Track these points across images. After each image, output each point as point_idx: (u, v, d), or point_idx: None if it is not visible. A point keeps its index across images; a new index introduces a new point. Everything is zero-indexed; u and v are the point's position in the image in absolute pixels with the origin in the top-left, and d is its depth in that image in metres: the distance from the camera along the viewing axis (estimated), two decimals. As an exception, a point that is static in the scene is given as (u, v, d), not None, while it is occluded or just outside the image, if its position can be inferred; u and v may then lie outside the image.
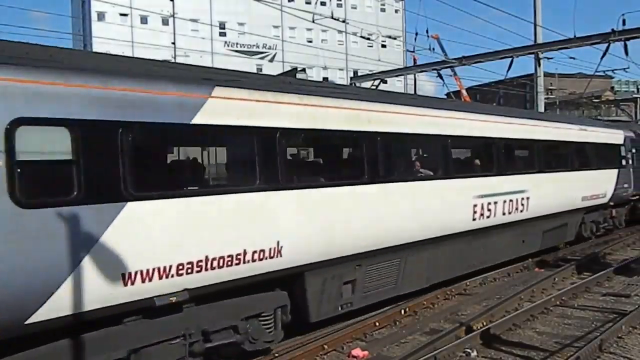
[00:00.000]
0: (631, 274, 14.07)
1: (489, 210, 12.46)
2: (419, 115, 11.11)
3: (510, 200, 13.30)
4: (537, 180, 14.57)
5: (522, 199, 13.73)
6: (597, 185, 17.97)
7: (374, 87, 26.36)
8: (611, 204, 19.38)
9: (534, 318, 10.54)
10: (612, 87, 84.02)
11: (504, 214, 13.08)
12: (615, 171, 19.47)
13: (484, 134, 13.09)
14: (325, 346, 9.02)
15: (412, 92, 47.58)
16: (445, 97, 40.85)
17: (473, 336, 9.15)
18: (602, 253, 17.04)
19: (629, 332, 9.44)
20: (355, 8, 71.31)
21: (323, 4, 57.87)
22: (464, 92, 35.08)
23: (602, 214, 19.43)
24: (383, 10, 74.86)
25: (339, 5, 66.79)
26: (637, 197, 21.85)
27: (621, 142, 20.56)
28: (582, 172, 17.12)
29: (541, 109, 27.40)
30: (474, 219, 12.10)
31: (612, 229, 20.82)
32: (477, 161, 13.37)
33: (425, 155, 12.38)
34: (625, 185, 20.14)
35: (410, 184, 10.53)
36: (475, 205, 12.01)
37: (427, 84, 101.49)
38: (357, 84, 28.53)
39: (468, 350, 8.71)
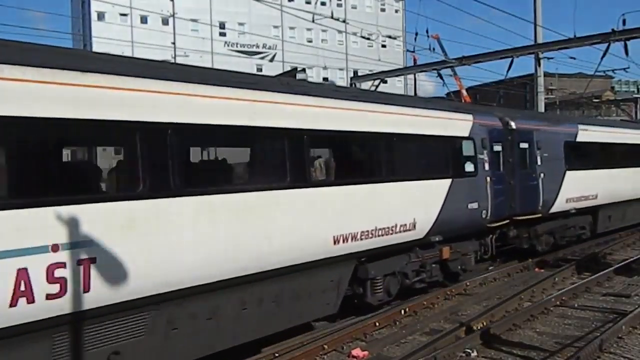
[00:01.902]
0: (631, 274, 14.06)
1: None
2: None
3: None
4: (138, 219, 6.57)
5: (49, 267, 5.67)
6: (388, 210, 10.26)
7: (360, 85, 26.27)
8: (436, 239, 11.56)
9: (534, 318, 10.53)
10: (612, 87, 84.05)
11: None
12: (446, 182, 11.81)
13: None
14: (325, 346, 9.02)
15: (413, 92, 47.67)
16: (445, 97, 40.80)
17: (473, 336, 9.15)
18: (602, 253, 17.03)
19: (629, 332, 9.43)
20: (355, 8, 71.31)
21: (323, 4, 57.87)
22: (464, 92, 35.06)
23: (418, 258, 11.47)
24: (383, 10, 74.87)
25: (339, 5, 66.79)
26: (508, 221, 14.57)
27: (466, 134, 12.83)
28: (334, 189, 9.45)
29: (541, 109, 27.39)
30: None
31: (455, 277, 13.06)
32: None
33: None
34: (473, 206, 12.57)
35: None
36: None
37: (427, 84, 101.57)
38: (358, 85, 28.55)
39: (468, 350, 8.70)
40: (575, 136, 17.50)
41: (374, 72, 32.40)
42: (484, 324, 9.94)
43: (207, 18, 62.59)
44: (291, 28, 67.36)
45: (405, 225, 10.61)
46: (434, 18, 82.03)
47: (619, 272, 14.14)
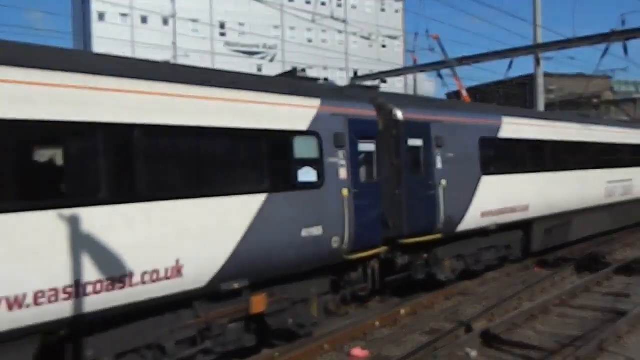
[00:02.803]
0: (631, 274, 14.08)
1: None
2: None
3: None
4: None
5: None
6: (111, 250, 6.46)
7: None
8: (235, 286, 7.83)
9: (534, 318, 10.55)
10: (612, 87, 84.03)
11: None
12: (254, 200, 8.12)
13: None
14: (325, 346, 9.03)
15: (412, 92, 47.73)
16: (445, 97, 40.84)
17: (473, 336, 9.16)
18: (602, 253, 17.04)
19: (629, 332, 9.45)
20: (355, 8, 71.28)
21: (323, 4, 57.84)
22: (464, 92, 35.07)
23: (198, 318, 7.74)
24: (383, 10, 74.85)
25: (339, 5, 66.72)
26: (386, 247, 10.67)
27: (303, 126, 9.05)
28: None
29: (541, 109, 27.38)
30: None
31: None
32: None
33: None
34: (313, 232, 8.87)
35: None
36: None
37: (427, 84, 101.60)
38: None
39: (468, 350, 8.72)
40: (498, 131, 13.89)
41: (374, 72, 32.41)
42: (484, 323, 9.95)
43: (207, 18, 62.57)
44: (291, 28, 67.33)
45: (157, 271, 6.76)
46: (434, 18, 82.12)
47: (618, 272, 14.17)
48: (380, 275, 10.89)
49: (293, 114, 8.98)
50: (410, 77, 49.38)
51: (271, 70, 46.47)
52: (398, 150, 11.13)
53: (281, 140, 8.67)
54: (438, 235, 11.71)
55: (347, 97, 10.41)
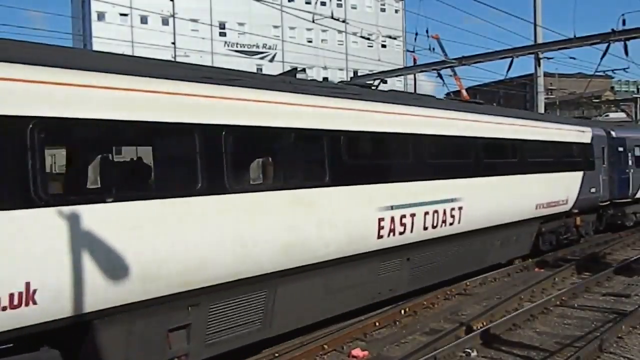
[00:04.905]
0: (631, 274, 14.08)
1: None
2: None
3: None
4: None
5: None
6: None
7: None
8: None
9: (534, 318, 10.54)
10: (612, 87, 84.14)
11: None
12: None
13: None
14: (325, 346, 9.02)
15: (412, 92, 47.73)
16: (445, 97, 40.86)
17: (473, 336, 9.16)
18: (602, 253, 17.04)
19: (629, 332, 9.45)
20: (355, 8, 71.35)
21: (323, 4, 57.90)
22: (464, 92, 35.14)
23: None
24: (383, 10, 74.91)
25: (339, 5, 66.83)
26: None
27: None
28: None
29: (541, 109, 27.43)
30: None
31: None
32: None
33: None
34: None
35: None
36: None
37: (427, 84, 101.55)
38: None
39: (468, 350, 8.71)
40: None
41: (374, 72, 32.38)
42: (484, 324, 9.94)
43: (207, 18, 62.61)
44: (291, 28, 67.38)
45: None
46: (434, 18, 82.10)
47: (619, 272, 14.16)
48: None
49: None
50: (410, 77, 49.38)
51: (271, 70, 46.42)
52: None
53: None
54: None
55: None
